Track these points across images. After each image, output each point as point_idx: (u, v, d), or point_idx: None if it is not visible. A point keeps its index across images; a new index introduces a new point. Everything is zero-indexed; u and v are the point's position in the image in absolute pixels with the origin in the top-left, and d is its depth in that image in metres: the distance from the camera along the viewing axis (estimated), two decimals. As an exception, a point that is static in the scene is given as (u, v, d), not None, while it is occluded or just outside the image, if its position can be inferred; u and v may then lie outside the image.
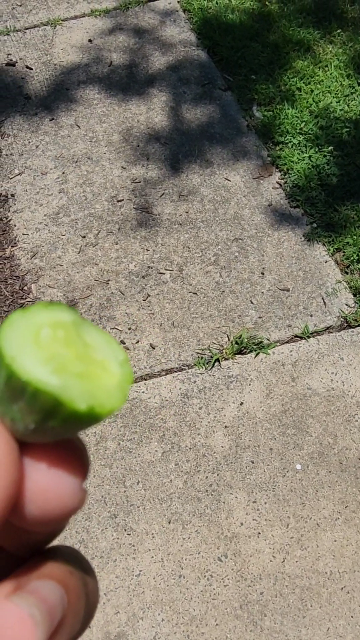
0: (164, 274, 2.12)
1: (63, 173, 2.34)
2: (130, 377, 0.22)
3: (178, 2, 2.89)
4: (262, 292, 2.10)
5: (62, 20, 2.79)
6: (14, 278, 2.09)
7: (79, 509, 0.22)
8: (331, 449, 1.83)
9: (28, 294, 2.06)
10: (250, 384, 1.92)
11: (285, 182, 2.34)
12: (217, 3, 2.84)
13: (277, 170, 2.38)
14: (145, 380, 1.92)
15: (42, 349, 0.20)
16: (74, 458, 0.22)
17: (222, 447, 1.82)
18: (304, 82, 2.56)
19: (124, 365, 0.22)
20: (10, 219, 2.22)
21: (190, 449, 1.81)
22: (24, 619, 0.20)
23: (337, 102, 2.50)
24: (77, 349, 0.21)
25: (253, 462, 1.80)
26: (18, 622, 0.19)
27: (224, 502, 1.74)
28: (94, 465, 1.78)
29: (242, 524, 1.71)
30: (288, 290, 2.10)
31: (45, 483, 0.21)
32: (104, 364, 0.22)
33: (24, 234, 2.19)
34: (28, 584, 0.21)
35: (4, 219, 2.22)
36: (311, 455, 1.81)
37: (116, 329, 2.01)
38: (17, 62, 2.65)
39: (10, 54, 2.68)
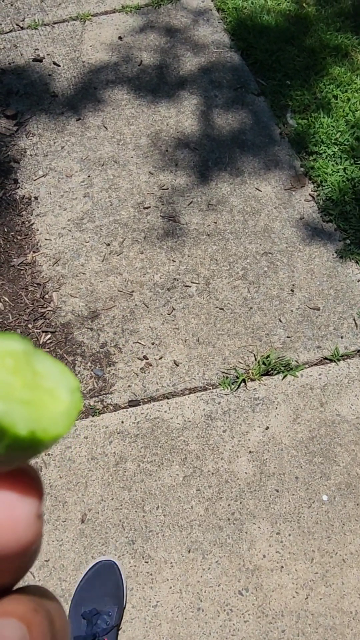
0: (190, 287, 2.05)
1: (88, 176, 2.26)
2: (79, 404, 0.22)
3: (212, 0, 2.79)
4: (292, 310, 2.02)
5: (91, 16, 2.71)
6: (35, 285, 2.02)
7: (36, 542, 0.21)
8: (359, 480, 1.75)
9: (49, 303, 1.99)
10: (276, 408, 1.84)
11: (319, 195, 2.25)
12: (252, 3, 2.74)
13: (310, 181, 2.29)
14: (168, 399, 1.85)
15: None
16: (27, 487, 0.21)
17: (245, 473, 1.75)
18: (340, 90, 2.46)
19: (74, 392, 0.22)
20: (33, 223, 2.15)
21: (212, 474, 1.74)
22: None
23: (374, 112, 2.40)
24: (25, 377, 0.21)
25: (278, 491, 1.73)
26: None
27: (246, 532, 1.67)
28: (113, 487, 1.71)
29: (264, 556, 1.64)
30: (318, 310, 2.02)
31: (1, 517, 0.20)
32: (53, 392, 0.22)
33: (46, 239, 2.12)
34: None
35: (27, 222, 2.15)
36: (338, 486, 1.74)
37: (139, 343, 1.94)
38: (44, 58, 2.57)
39: (37, 49, 2.60)
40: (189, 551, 1.63)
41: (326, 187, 2.25)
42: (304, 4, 2.74)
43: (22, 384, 0.21)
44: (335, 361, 1.93)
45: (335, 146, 2.33)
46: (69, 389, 0.22)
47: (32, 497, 0.21)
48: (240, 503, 1.70)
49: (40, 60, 2.55)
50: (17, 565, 0.22)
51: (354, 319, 2.00)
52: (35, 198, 2.21)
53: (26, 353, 0.22)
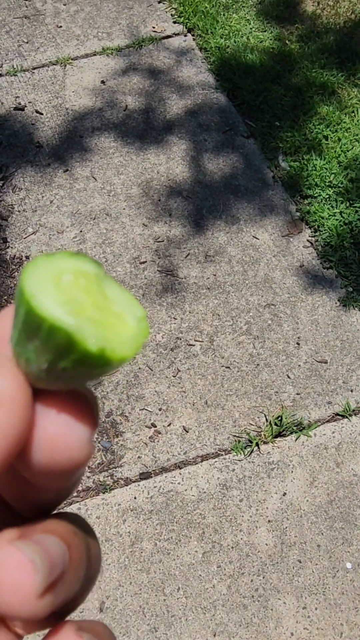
0: (193, 345, 1.99)
1: (80, 231, 2.19)
2: (146, 333, 0.22)
3: (194, 39, 2.75)
4: (299, 365, 1.97)
5: (72, 59, 2.63)
6: (33, 353, 1.93)
7: (86, 463, 0.22)
8: (382, 544, 1.71)
9: (49, 371, 1.90)
10: (292, 472, 1.79)
11: (317, 241, 2.21)
12: (235, 42, 2.71)
13: (307, 226, 2.25)
14: (180, 468, 1.78)
15: (62, 292, 0.20)
16: (84, 408, 0.22)
17: (266, 544, 1.69)
18: (330, 130, 2.44)
19: (141, 321, 0.22)
20: (26, 284, 2.06)
21: (232, 548, 1.68)
22: (24, 564, 0.20)
23: (366, 152, 2.38)
24: (96, 298, 0.21)
25: (300, 562, 1.67)
26: (18, 566, 0.20)
27: (271, 609, 1.61)
28: (130, 570, 1.64)
29: (292, 634, 1.58)
30: (326, 363, 1.98)
31: (54, 430, 0.21)
32: (121, 317, 0.22)
33: (41, 302, 2.04)
34: (32, 534, 0.22)
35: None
36: (361, 552, 1.69)
37: (146, 409, 1.87)
38: (26, 106, 2.48)
39: (18, 97, 2.52)
40: (215, 635, 1.57)
41: (324, 232, 2.21)
42: (287, 41, 2.71)
43: (93, 304, 0.21)
44: (347, 417, 1.89)
45: (330, 189, 2.30)
46: (136, 317, 0.22)
47: (89, 418, 0.21)
48: (263, 577, 1.65)
49: (22, 109, 2.47)
50: (62, 485, 0.23)
51: (362, 371, 1.97)
52: (27, 257, 2.12)
53: (98, 276, 0.22)
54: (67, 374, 0.21)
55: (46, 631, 0.23)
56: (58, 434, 0.21)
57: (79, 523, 0.24)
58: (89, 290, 0.21)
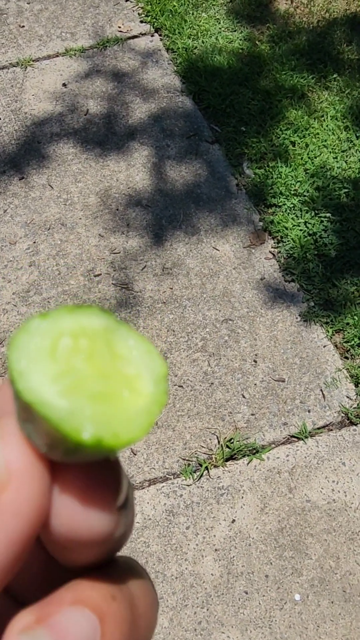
0: (146, 363, 1.92)
1: (34, 242, 2.12)
2: (163, 399, 0.19)
3: (161, 40, 2.66)
4: (255, 384, 1.90)
5: (33, 61, 2.55)
6: (-21, 371, 1.86)
7: (115, 532, 0.20)
8: (333, 574, 1.64)
9: (-6, 390, 1.84)
10: (242, 497, 1.72)
11: (279, 252, 2.13)
12: (203, 42, 2.62)
13: (270, 237, 2.17)
14: (126, 493, 1.71)
15: (57, 362, 0.18)
16: (105, 478, 0.19)
17: (212, 574, 1.62)
18: (298, 136, 2.35)
19: (159, 382, 0.19)
20: (-25, 298, 2.00)
21: (176, 578, 1.62)
22: None
23: (334, 159, 2.30)
24: (102, 362, 0.19)
25: (247, 593, 1.61)
26: None
27: (214, 644, 1.55)
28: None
29: (235, 670, 1.52)
30: (283, 381, 1.91)
31: (73, 506, 0.19)
32: (133, 382, 0.19)
33: (-11, 317, 1.97)
34: (53, 613, 0.19)
35: (-32, 298, 1.99)
36: (311, 583, 1.63)
37: (93, 431, 1.80)
38: (-17, 111, 2.40)
39: (-25, 101, 2.44)
40: (154, 671, 1.51)
41: (287, 243, 2.14)
42: (257, 42, 2.62)
43: (96, 371, 0.18)
44: (302, 439, 1.82)
45: (295, 197, 2.22)
46: (153, 376, 0.19)
47: (111, 489, 0.19)
48: (207, 610, 1.58)
49: (-21, 113, 2.39)
50: (94, 554, 0.21)
51: (320, 390, 1.90)
52: (-23, 270, 2.05)
53: (107, 330, 0.19)
54: (72, 456, 0.18)
55: None
56: (77, 510, 0.19)
57: (125, 572, 0.22)
58: (92, 354, 0.19)
